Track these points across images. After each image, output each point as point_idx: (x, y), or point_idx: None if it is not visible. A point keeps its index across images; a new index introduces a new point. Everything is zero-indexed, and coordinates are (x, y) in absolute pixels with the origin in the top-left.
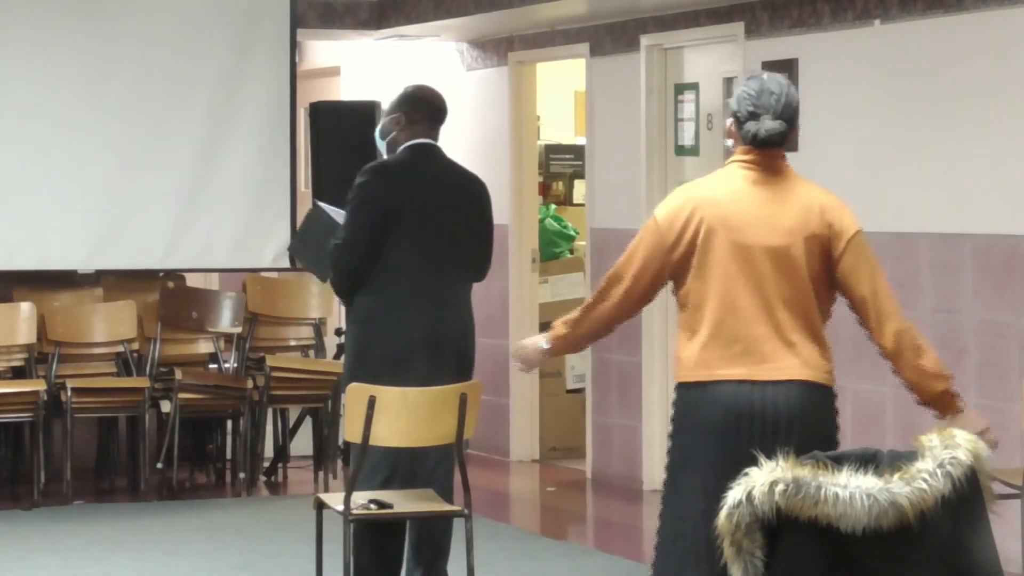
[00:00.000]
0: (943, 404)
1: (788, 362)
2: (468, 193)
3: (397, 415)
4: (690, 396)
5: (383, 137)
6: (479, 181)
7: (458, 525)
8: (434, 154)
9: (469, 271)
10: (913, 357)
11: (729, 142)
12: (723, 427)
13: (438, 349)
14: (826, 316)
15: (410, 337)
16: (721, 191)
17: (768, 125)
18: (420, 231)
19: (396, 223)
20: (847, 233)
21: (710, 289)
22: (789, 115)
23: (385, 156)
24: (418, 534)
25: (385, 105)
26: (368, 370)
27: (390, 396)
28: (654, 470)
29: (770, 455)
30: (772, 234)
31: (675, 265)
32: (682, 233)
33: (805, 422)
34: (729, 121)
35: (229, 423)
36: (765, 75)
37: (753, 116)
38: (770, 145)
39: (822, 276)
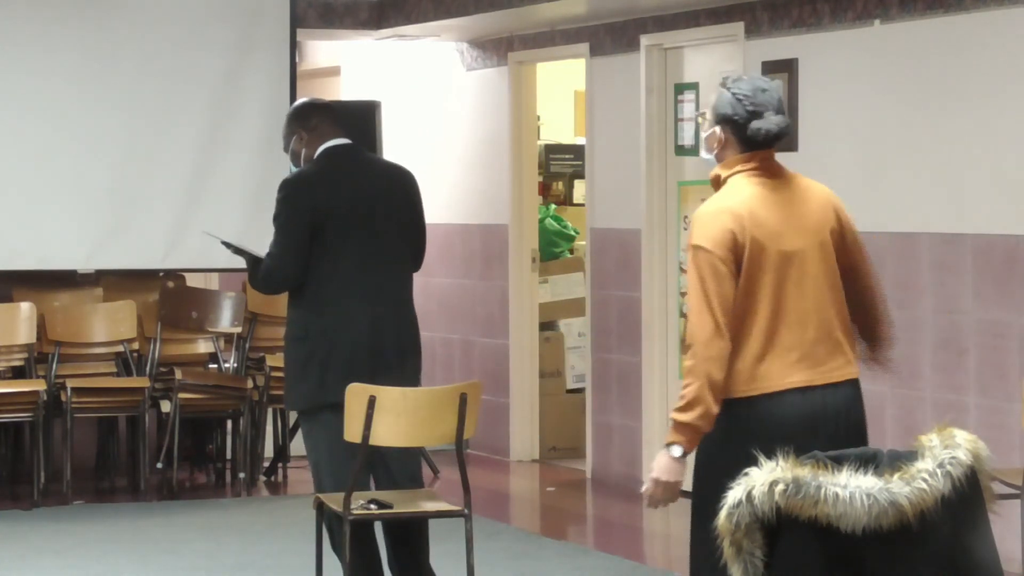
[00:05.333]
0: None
1: (839, 362)
2: (394, 185)
3: (397, 415)
4: (746, 409)
5: (298, 163)
6: (404, 171)
7: (458, 525)
8: (352, 153)
9: (407, 264)
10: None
11: (708, 155)
12: (792, 435)
13: (379, 352)
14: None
15: (351, 348)
16: (750, 203)
17: (775, 120)
18: (350, 233)
19: (323, 230)
20: (852, 223)
21: (757, 301)
22: (784, 109)
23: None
24: (393, 536)
25: (386, 108)
26: (310, 389)
27: (390, 396)
28: None
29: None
30: (809, 234)
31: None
32: (734, 252)
33: (856, 419)
34: (716, 129)
35: (229, 423)
36: (748, 76)
37: (756, 115)
38: (774, 142)
39: (843, 267)
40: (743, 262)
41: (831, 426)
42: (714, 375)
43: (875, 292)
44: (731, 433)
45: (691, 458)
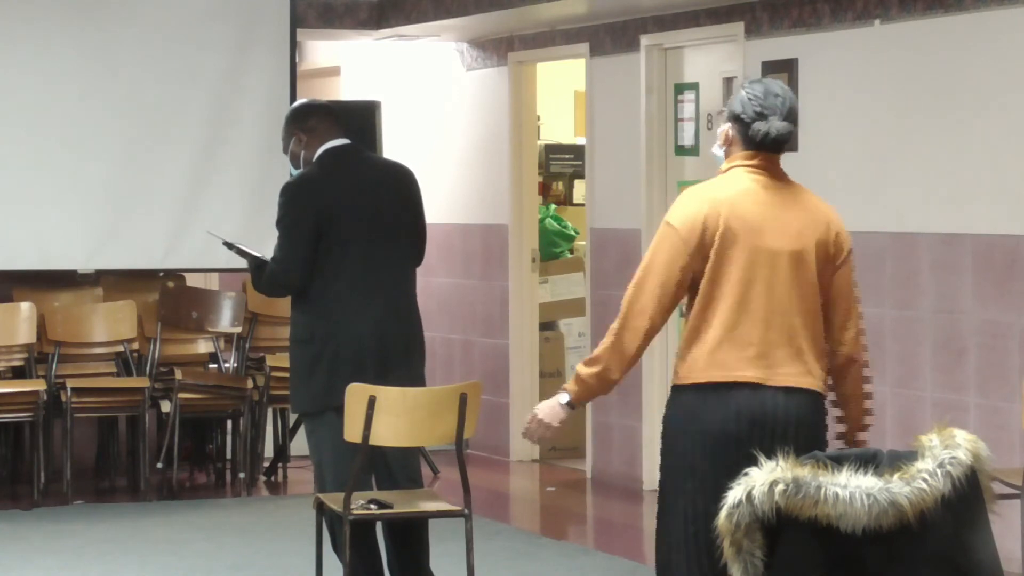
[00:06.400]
0: (857, 421)
1: (796, 369)
2: (395, 184)
3: (397, 415)
4: (699, 397)
5: (297, 165)
6: (404, 169)
7: (458, 525)
8: (351, 153)
9: (410, 262)
10: (862, 379)
11: (719, 151)
12: (735, 428)
13: (385, 353)
14: (823, 325)
15: (356, 350)
16: (735, 194)
17: (778, 125)
18: (353, 234)
19: (327, 232)
20: (846, 246)
21: (723, 291)
22: (793, 118)
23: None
24: (393, 536)
25: (386, 108)
26: (315, 392)
27: (390, 396)
28: (654, 470)
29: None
30: (789, 238)
31: (695, 269)
32: (702, 236)
33: (806, 429)
34: (726, 126)
35: (229, 423)
36: (765, 79)
37: (761, 116)
38: (777, 146)
39: (824, 284)
40: (711, 250)
41: (780, 429)
42: (627, 344)
43: (834, 332)
44: (685, 419)
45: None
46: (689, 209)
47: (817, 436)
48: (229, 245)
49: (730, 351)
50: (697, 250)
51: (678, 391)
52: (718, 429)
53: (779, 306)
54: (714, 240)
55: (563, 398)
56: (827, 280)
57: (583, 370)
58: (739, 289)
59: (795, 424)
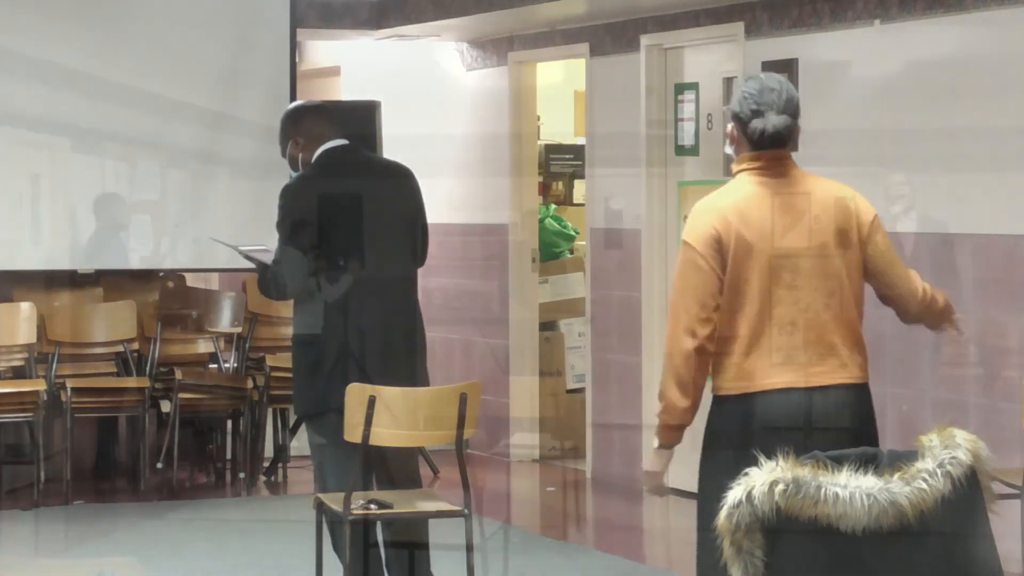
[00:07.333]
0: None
1: (830, 365)
2: (395, 184)
3: (397, 415)
4: (732, 408)
5: (296, 169)
6: (404, 169)
7: (458, 525)
8: (350, 153)
9: (411, 263)
10: (937, 306)
11: (730, 149)
12: (773, 436)
13: (388, 354)
14: (861, 311)
15: (358, 352)
16: (743, 202)
17: (774, 120)
18: (354, 234)
19: (327, 233)
20: (867, 217)
21: (744, 300)
22: (792, 110)
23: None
24: (393, 536)
25: (386, 108)
26: (317, 394)
27: (390, 396)
28: None
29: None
30: (804, 237)
31: (721, 280)
32: (718, 248)
33: (848, 425)
34: (730, 125)
35: (229, 423)
36: (763, 75)
37: (757, 114)
38: (777, 142)
39: (854, 269)
40: (728, 261)
41: (820, 432)
42: (680, 371)
43: (896, 299)
44: (719, 431)
45: (681, 454)
46: (701, 224)
47: (860, 428)
48: (236, 249)
49: (757, 360)
50: (717, 262)
51: (714, 402)
52: (758, 436)
53: (804, 306)
54: (729, 252)
55: (654, 443)
56: (859, 259)
57: (657, 410)
58: (760, 297)
59: (836, 419)
